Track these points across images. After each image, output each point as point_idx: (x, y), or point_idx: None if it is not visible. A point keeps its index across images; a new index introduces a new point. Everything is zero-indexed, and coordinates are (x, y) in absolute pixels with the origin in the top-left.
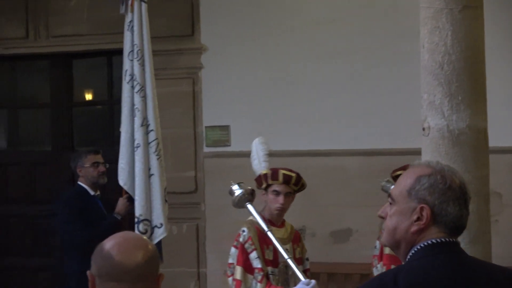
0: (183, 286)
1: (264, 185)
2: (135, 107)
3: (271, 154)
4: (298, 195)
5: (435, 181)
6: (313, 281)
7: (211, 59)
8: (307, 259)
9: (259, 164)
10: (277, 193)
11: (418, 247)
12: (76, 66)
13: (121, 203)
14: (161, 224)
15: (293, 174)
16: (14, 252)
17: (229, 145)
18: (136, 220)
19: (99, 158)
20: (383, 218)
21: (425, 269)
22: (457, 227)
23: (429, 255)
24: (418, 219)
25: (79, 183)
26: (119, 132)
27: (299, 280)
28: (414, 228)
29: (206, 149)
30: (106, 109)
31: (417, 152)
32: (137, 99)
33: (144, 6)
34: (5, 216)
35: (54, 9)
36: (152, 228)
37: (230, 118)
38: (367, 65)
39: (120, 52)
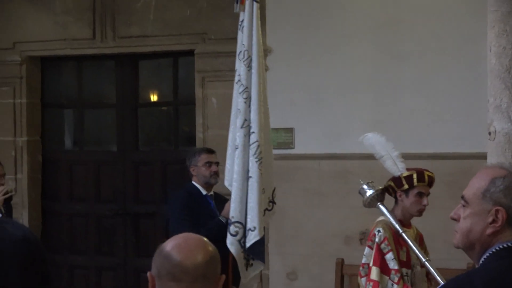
0: (245, 287)
1: (405, 187)
2: (238, 108)
3: (335, 157)
4: (361, 198)
5: (510, 183)
6: None
7: (276, 61)
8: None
9: (395, 165)
10: (421, 194)
11: (493, 249)
12: (142, 66)
13: (228, 206)
14: (255, 228)
15: (434, 175)
16: (79, 250)
17: (293, 147)
18: (228, 221)
19: (212, 157)
20: (455, 220)
21: (502, 271)
22: None
23: (505, 257)
24: (493, 221)
25: (192, 182)
26: (184, 133)
27: (436, 283)
28: (489, 231)
29: None
30: (171, 110)
31: (483, 157)
32: (240, 100)
33: (255, 5)
34: (70, 215)
35: (120, 10)
36: (246, 231)
37: (295, 120)
38: (433, 68)
39: (185, 53)
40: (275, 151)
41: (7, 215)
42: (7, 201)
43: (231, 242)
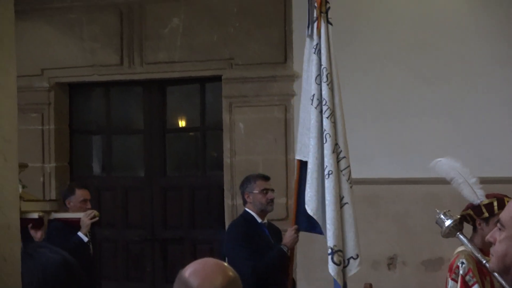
0: None
1: (485, 215)
2: (326, 133)
3: (363, 181)
4: (389, 223)
5: None
6: None
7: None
8: None
9: (473, 193)
10: None
11: None
12: (170, 92)
13: (289, 234)
14: (357, 255)
15: None
16: (108, 276)
17: None
18: (329, 251)
19: (268, 184)
20: (491, 243)
21: None
22: None
23: None
24: None
25: (246, 209)
26: (212, 158)
27: None
28: None
29: None
30: (198, 136)
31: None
32: (328, 124)
33: (330, 28)
34: (98, 240)
35: (148, 36)
36: (347, 260)
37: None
38: (461, 92)
39: (212, 79)
40: None
41: (92, 241)
42: (94, 226)
43: (336, 272)
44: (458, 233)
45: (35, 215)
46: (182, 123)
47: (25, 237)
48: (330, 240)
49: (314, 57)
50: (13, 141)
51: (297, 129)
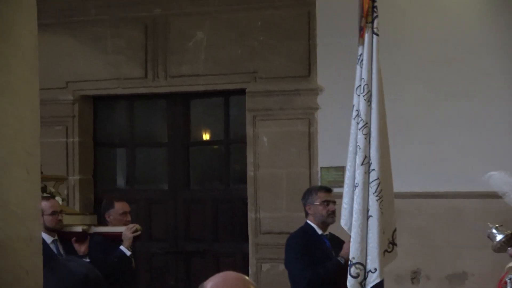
0: None
1: None
2: (357, 144)
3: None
4: (412, 237)
5: None
6: None
7: (327, 100)
8: None
9: None
10: None
11: None
12: (194, 105)
13: (347, 246)
14: (375, 269)
15: None
16: None
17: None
18: (349, 262)
19: (329, 196)
20: None
21: None
22: None
23: None
24: None
25: (308, 221)
26: (235, 171)
27: None
28: None
29: None
30: (222, 149)
31: None
32: (360, 136)
33: (375, 38)
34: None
35: (172, 49)
36: (366, 273)
37: (345, 158)
38: (484, 106)
39: (236, 92)
40: None
41: (134, 255)
42: (136, 239)
43: (352, 284)
44: (509, 248)
45: (79, 229)
46: (206, 136)
47: (69, 250)
48: (351, 251)
49: (358, 68)
50: (35, 154)
51: (321, 143)
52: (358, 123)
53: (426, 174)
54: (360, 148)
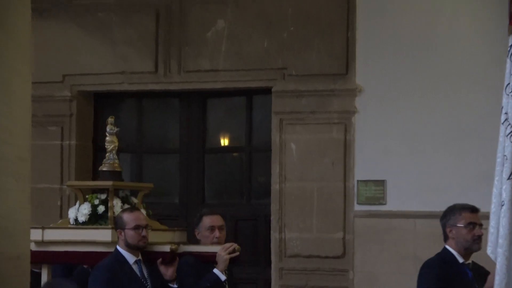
0: None
1: None
2: (504, 154)
3: (434, 215)
4: None
5: None
6: None
7: (367, 103)
8: None
9: None
10: None
11: None
12: (211, 106)
13: (492, 279)
14: None
15: None
16: None
17: (385, 204)
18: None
19: (476, 218)
20: None
21: None
22: None
23: None
24: None
25: (447, 246)
26: (258, 184)
27: None
28: None
29: (358, 207)
30: (243, 157)
31: None
32: (507, 144)
33: None
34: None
35: (188, 40)
36: None
37: (387, 172)
38: None
39: (261, 91)
40: (363, 207)
41: (229, 280)
42: (233, 262)
43: None
44: None
45: (167, 248)
46: (224, 142)
47: (154, 274)
48: (496, 285)
49: (508, 62)
50: (26, 159)
51: (358, 152)
52: (506, 129)
53: (482, 192)
54: (507, 159)
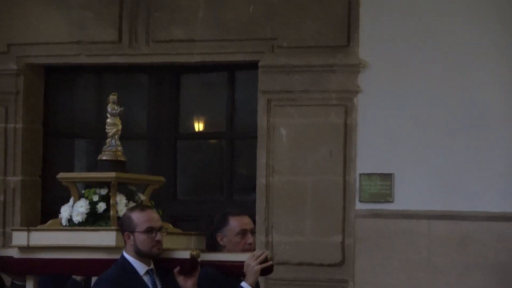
0: None
1: None
2: None
3: (450, 216)
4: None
5: None
6: None
7: (372, 81)
8: None
9: None
10: None
11: None
12: (185, 83)
13: None
14: None
15: None
16: None
17: (392, 201)
18: None
19: None
20: None
21: None
22: None
23: None
24: None
25: None
26: (241, 177)
27: None
28: None
29: (360, 206)
30: (223, 145)
31: None
32: None
33: None
34: None
35: (158, 5)
36: None
37: (395, 164)
38: None
39: (246, 66)
40: (366, 206)
41: None
42: (266, 273)
43: None
44: None
45: (186, 254)
46: (200, 127)
47: (169, 285)
48: None
49: None
50: None
51: (361, 140)
52: None
53: (500, 190)
54: None
